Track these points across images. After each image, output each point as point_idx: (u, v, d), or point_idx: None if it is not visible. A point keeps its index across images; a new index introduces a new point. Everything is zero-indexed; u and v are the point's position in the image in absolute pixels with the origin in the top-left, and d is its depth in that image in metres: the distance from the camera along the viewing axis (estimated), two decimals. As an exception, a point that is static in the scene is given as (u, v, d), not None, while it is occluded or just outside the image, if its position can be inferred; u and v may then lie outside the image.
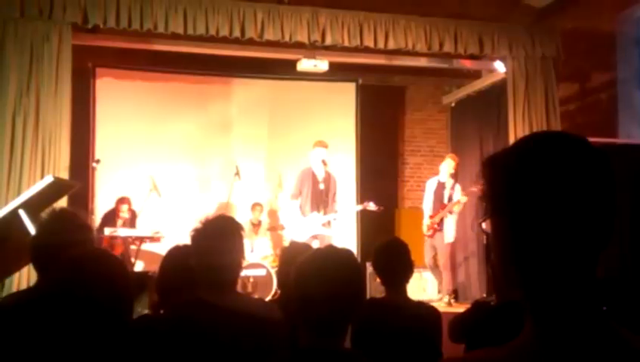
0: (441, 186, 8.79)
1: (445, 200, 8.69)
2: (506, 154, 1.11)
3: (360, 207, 8.82)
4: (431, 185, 8.91)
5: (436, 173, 9.04)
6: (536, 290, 1.06)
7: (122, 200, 8.68)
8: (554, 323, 1.04)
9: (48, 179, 5.20)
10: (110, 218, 8.63)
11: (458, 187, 8.79)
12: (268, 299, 7.24)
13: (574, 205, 1.03)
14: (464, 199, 8.64)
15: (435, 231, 8.64)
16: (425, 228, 8.73)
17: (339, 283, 1.99)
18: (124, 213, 8.64)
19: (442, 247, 8.62)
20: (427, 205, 8.83)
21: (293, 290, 2.05)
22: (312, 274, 2.00)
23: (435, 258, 8.66)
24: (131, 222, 8.68)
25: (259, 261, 8.60)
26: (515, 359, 1.03)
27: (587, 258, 1.05)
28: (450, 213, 8.63)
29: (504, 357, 1.04)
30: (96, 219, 8.53)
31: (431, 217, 8.70)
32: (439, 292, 8.62)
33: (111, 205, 8.74)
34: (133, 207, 8.75)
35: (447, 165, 8.82)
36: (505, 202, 1.08)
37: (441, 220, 8.63)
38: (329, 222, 8.27)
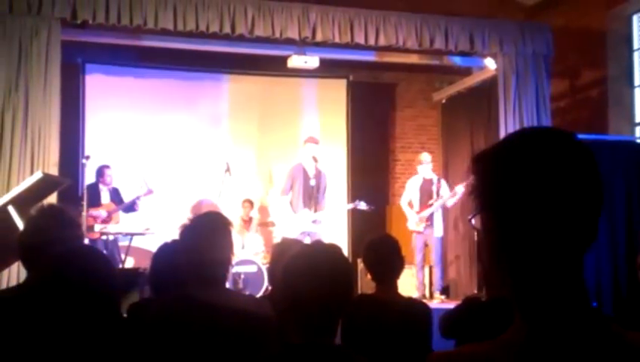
0: (427, 182, 8.80)
1: (434, 196, 8.69)
2: (495, 150, 1.11)
3: (350, 206, 8.79)
4: (415, 183, 8.90)
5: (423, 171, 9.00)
6: (525, 285, 1.06)
7: (106, 166, 8.52)
8: (542, 317, 1.04)
9: (38, 175, 5.19)
10: (94, 191, 8.25)
11: (444, 182, 8.86)
12: (259, 295, 7.22)
13: (561, 201, 1.03)
14: (461, 189, 8.42)
15: (427, 226, 8.64)
16: (413, 225, 8.69)
17: (327, 280, 1.97)
18: (109, 179, 8.46)
19: (435, 242, 8.65)
20: (414, 202, 8.81)
21: (282, 288, 2.03)
22: (300, 272, 1.98)
23: (426, 255, 8.66)
24: (116, 195, 8.53)
25: (250, 257, 8.59)
26: (502, 353, 1.03)
27: (575, 253, 1.05)
28: (446, 207, 8.65)
29: (491, 351, 1.04)
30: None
31: (418, 213, 8.70)
32: (417, 289, 8.58)
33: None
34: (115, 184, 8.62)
35: (429, 162, 8.85)
36: (493, 198, 1.08)
37: (431, 215, 8.62)
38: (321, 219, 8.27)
